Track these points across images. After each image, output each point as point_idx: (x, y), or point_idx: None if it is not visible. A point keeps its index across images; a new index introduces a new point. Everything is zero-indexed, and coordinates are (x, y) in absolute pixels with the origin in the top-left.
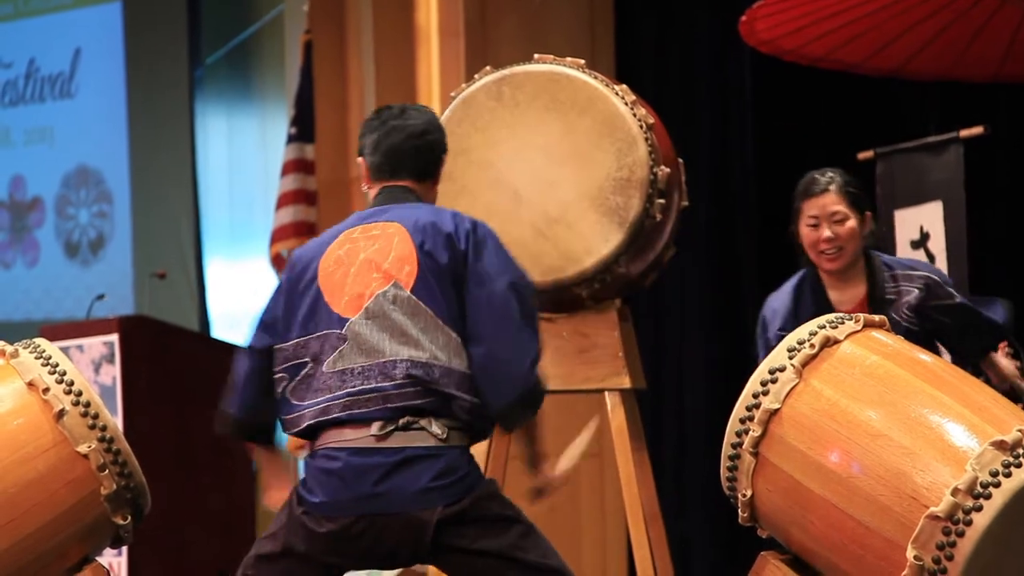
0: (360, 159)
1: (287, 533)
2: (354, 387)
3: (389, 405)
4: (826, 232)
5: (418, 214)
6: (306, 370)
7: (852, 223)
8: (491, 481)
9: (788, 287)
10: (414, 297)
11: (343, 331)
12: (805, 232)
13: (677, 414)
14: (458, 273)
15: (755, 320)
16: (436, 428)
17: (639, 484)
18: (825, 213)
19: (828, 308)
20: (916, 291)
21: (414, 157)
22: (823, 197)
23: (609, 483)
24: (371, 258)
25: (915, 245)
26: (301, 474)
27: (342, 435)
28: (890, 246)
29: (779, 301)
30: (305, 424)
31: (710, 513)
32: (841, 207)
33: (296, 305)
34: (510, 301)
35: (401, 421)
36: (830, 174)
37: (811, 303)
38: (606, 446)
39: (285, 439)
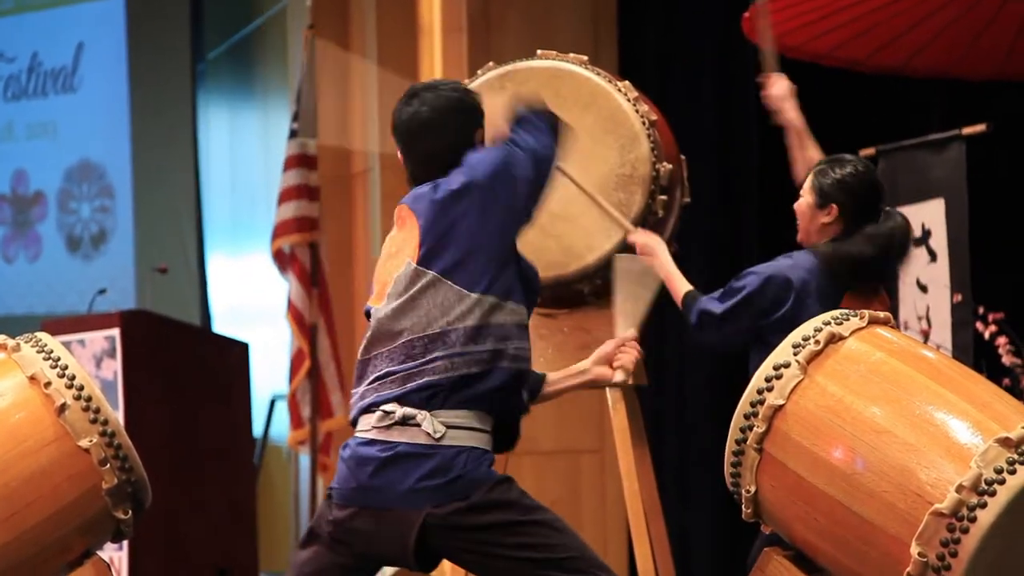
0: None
1: (317, 517)
2: (373, 374)
3: (395, 389)
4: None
5: (422, 187)
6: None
7: (803, 201)
8: (497, 483)
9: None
10: (420, 267)
11: (371, 321)
12: None
13: (678, 410)
14: (459, 211)
15: None
16: (431, 426)
17: (640, 479)
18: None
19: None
20: None
21: (418, 152)
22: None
23: (610, 478)
24: (389, 249)
25: (917, 242)
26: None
27: (359, 425)
28: None
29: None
30: (352, 415)
31: (711, 509)
32: (805, 186)
33: None
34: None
35: (400, 415)
36: (832, 159)
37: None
38: (607, 442)
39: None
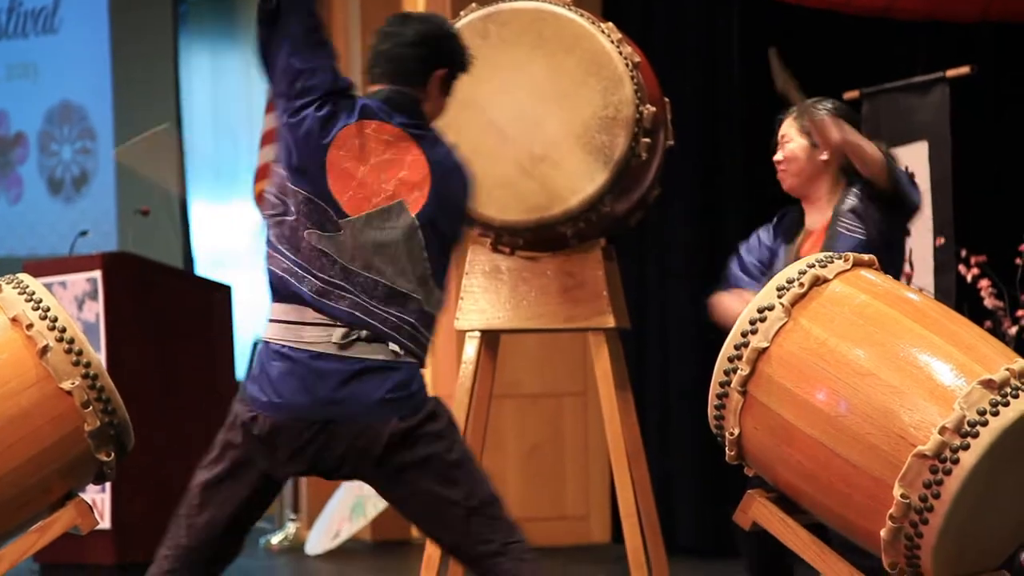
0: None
1: (228, 431)
2: (331, 277)
3: (356, 313)
4: (777, 155)
5: (440, 154)
6: (290, 220)
7: (793, 145)
8: (435, 399)
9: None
10: (417, 223)
11: (340, 221)
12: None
13: (661, 353)
14: (449, 227)
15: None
16: (394, 345)
17: (623, 423)
18: (779, 138)
19: (798, 231)
20: (854, 193)
21: (399, 62)
22: (782, 125)
23: (593, 422)
24: (383, 164)
25: None
26: None
27: (301, 334)
28: None
29: (764, 229)
30: (280, 272)
31: (693, 452)
32: (789, 131)
33: (302, 155)
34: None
35: (363, 333)
36: (801, 104)
37: (785, 228)
38: (590, 385)
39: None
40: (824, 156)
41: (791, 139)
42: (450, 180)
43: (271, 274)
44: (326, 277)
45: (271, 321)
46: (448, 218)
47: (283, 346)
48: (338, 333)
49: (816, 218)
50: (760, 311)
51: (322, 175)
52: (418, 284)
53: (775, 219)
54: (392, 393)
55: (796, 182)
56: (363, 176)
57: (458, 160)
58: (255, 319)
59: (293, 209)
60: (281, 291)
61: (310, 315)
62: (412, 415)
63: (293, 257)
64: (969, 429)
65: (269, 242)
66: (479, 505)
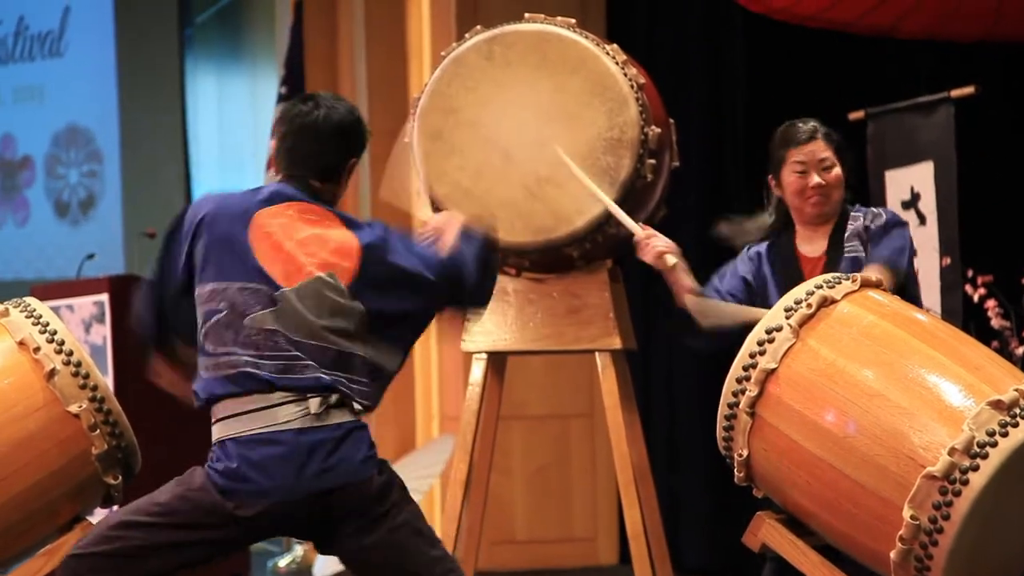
0: (271, 142)
1: (191, 512)
2: (287, 352)
3: (323, 378)
4: (815, 179)
5: (357, 221)
6: (220, 317)
7: (839, 170)
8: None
9: (758, 248)
10: (349, 291)
11: (276, 294)
12: (792, 180)
13: (667, 374)
14: (385, 278)
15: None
16: (357, 404)
17: (629, 444)
18: (813, 160)
19: (794, 259)
20: (862, 219)
21: (318, 158)
22: (811, 144)
23: (600, 443)
24: (310, 239)
25: (906, 205)
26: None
27: (276, 415)
28: (881, 206)
29: (753, 251)
30: (235, 370)
31: (700, 473)
32: (828, 154)
33: (210, 252)
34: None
35: (333, 398)
36: (812, 123)
37: (780, 253)
38: (597, 406)
39: None
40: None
41: (834, 163)
42: (378, 252)
43: (214, 382)
44: (283, 353)
45: (227, 419)
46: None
47: (260, 433)
48: (315, 403)
49: (818, 245)
50: (768, 332)
51: (246, 255)
52: (365, 344)
53: (761, 250)
54: (370, 450)
55: (832, 209)
56: (291, 248)
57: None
58: None
59: (217, 304)
60: (235, 388)
61: (277, 396)
62: (383, 468)
63: (239, 349)
64: (978, 450)
65: (201, 348)
66: (442, 545)
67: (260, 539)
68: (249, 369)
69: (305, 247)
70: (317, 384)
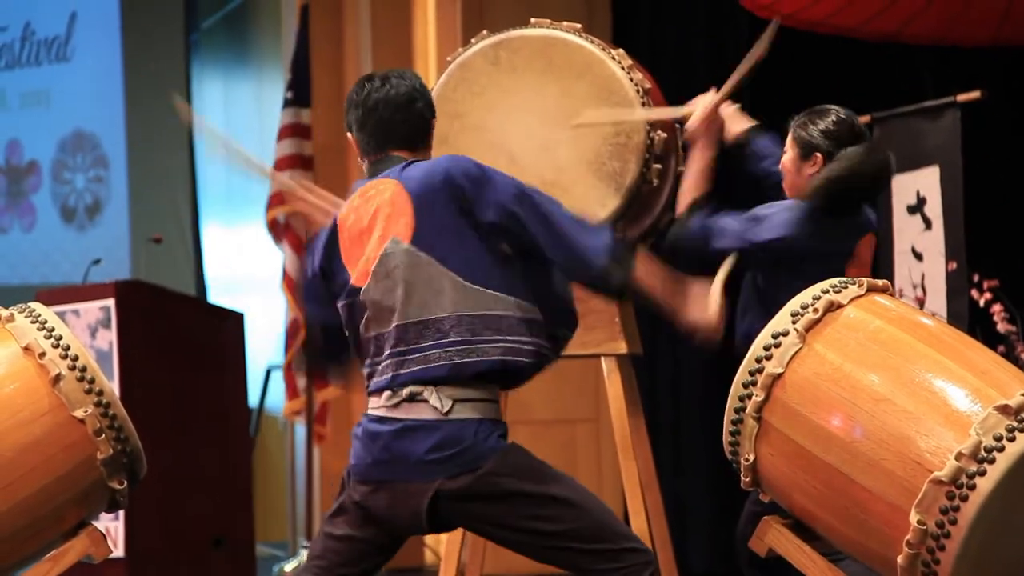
0: (349, 135)
1: (342, 492)
2: (379, 356)
3: (402, 372)
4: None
5: (412, 168)
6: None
7: (786, 157)
8: (507, 452)
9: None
10: (413, 248)
11: (361, 298)
12: None
13: (673, 379)
14: (465, 211)
15: (751, 284)
16: (438, 401)
17: (635, 450)
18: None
19: None
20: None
21: (402, 128)
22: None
23: (605, 449)
24: (369, 221)
25: (911, 210)
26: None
27: (370, 402)
28: (887, 211)
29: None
30: (368, 388)
31: (706, 478)
32: (787, 141)
33: (335, 269)
34: (534, 207)
35: (406, 392)
36: (811, 111)
37: None
38: (602, 411)
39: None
40: (812, 170)
41: (785, 149)
42: (431, 183)
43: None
44: (374, 359)
45: None
46: (449, 211)
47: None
48: (385, 395)
49: None
50: (774, 336)
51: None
52: (437, 300)
53: None
54: (432, 454)
55: (791, 193)
56: (357, 245)
57: (434, 162)
58: (267, 346)
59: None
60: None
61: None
62: (460, 474)
63: (364, 364)
64: (985, 455)
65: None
66: (576, 538)
67: (382, 535)
68: (368, 380)
69: (368, 231)
70: (392, 380)
